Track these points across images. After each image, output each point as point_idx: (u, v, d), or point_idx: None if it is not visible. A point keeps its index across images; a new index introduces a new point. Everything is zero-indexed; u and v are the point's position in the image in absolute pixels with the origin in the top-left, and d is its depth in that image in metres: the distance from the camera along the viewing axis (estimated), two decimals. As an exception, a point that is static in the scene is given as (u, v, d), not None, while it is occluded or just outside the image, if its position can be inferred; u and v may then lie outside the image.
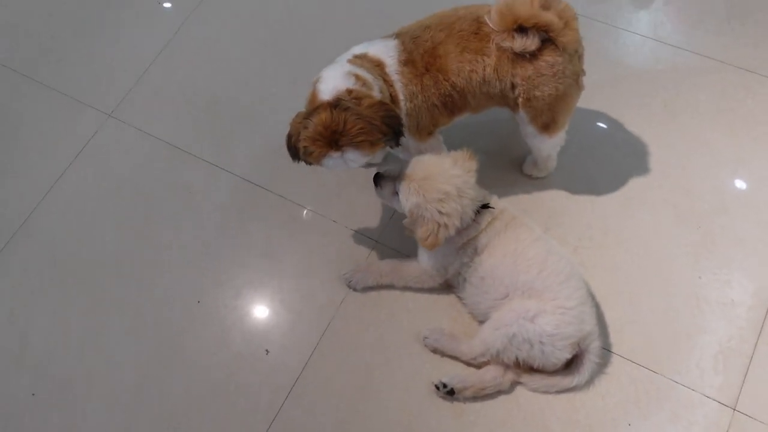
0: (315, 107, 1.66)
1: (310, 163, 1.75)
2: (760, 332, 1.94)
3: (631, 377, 1.90)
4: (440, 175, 1.74)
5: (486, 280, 1.87)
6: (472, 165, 1.80)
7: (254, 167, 2.33)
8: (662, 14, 2.55)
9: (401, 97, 1.80)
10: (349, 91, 1.66)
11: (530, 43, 1.71)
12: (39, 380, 2.02)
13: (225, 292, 2.11)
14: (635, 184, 2.19)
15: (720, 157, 2.22)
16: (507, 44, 1.73)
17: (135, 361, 2.03)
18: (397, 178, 1.81)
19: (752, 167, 2.20)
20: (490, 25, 1.74)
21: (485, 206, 1.84)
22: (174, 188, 2.31)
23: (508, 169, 2.23)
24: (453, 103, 1.85)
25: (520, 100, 1.82)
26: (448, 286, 2.02)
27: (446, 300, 2.04)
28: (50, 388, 2.00)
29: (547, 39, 1.72)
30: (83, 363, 2.03)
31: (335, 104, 1.62)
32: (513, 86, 1.80)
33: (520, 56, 1.75)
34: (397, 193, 1.79)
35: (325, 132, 1.63)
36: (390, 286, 2.06)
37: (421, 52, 1.79)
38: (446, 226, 1.74)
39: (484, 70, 1.78)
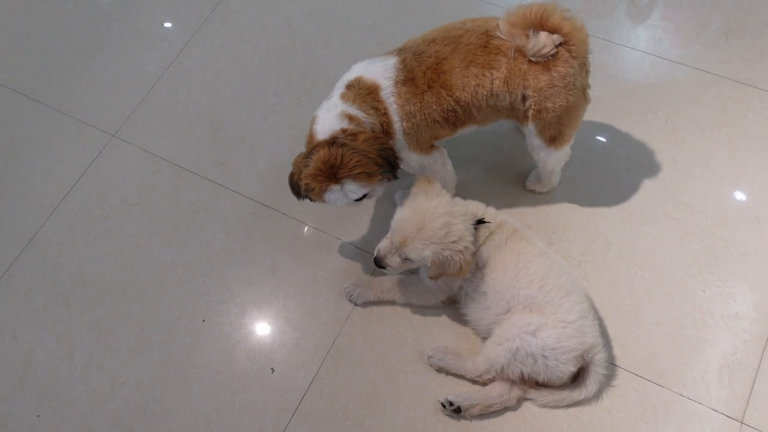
0: (314, 146, 1.77)
1: (313, 200, 1.85)
2: (766, 345, 1.94)
3: (637, 391, 1.90)
4: (427, 216, 1.74)
5: (488, 295, 1.88)
6: (437, 186, 1.82)
7: (258, 186, 2.34)
8: (660, 30, 2.57)
9: (395, 118, 1.83)
10: (344, 131, 1.77)
11: (543, 44, 1.71)
12: (43, 401, 2.01)
13: (230, 311, 2.11)
14: (637, 199, 2.20)
15: (721, 170, 2.24)
16: (521, 42, 1.73)
17: (139, 381, 2.02)
18: (393, 248, 1.80)
19: (753, 180, 2.21)
20: (501, 35, 1.76)
21: (480, 221, 1.86)
22: (178, 207, 2.32)
23: (511, 183, 2.24)
24: (456, 117, 1.86)
25: (531, 112, 1.82)
26: (451, 303, 2.03)
27: (450, 316, 2.04)
28: (55, 409, 1.99)
29: (559, 44, 1.73)
30: (87, 383, 2.03)
31: (332, 142, 1.74)
32: (524, 98, 1.81)
33: (533, 67, 1.75)
34: (407, 259, 1.80)
35: (324, 167, 1.74)
36: (392, 302, 2.06)
37: (424, 68, 1.80)
38: (466, 248, 1.76)
39: (492, 83, 1.79)
